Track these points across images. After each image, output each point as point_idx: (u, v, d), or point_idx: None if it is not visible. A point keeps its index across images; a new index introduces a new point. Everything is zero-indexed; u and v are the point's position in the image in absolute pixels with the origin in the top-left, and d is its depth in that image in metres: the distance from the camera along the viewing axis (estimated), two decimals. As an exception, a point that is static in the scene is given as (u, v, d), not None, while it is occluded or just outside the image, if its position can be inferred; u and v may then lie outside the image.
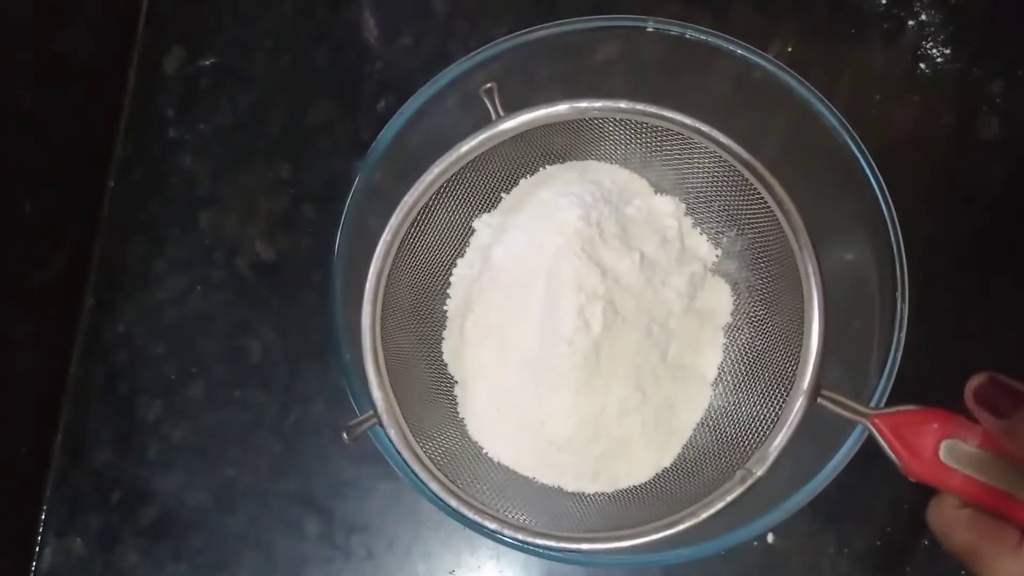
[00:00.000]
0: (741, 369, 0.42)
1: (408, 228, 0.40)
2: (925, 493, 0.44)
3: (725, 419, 0.41)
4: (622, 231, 0.41)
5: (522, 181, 0.44)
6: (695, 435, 0.42)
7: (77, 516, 0.49)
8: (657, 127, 0.39)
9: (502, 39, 0.42)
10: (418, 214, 0.40)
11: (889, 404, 0.35)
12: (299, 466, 0.48)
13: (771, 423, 0.36)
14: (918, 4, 0.50)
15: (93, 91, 0.54)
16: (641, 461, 0.41)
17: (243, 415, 0.49)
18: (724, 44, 0.41)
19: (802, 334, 0.35)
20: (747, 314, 0.43)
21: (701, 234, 0.44)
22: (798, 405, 0.34)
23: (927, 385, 0.45)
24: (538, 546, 0.36)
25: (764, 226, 0.39)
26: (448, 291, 0.44)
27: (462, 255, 0.45)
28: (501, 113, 0.39)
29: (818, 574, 0.44)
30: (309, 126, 0.53)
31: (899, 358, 0.37)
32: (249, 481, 0.49)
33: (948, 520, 0.30)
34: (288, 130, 0.53)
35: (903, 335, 0.37)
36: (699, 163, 0.40)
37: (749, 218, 0.40)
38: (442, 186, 0.40)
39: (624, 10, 0.42)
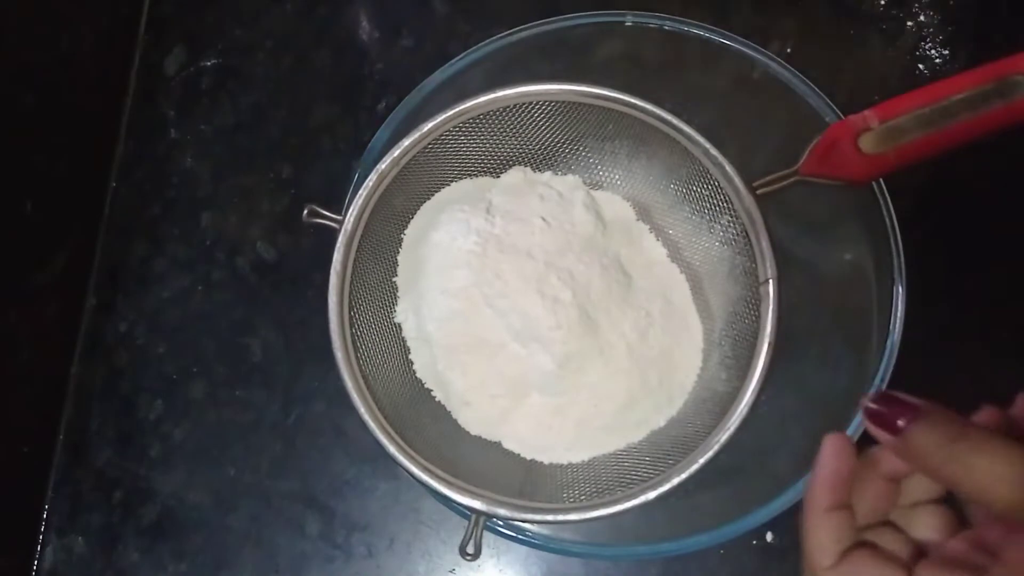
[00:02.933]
0: (684, 232, 0.43)
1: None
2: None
3: (707, 273, 0.43)
4: (516, 220, 0.41)
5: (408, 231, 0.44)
6: (697, 303, 0.43)
7: (78, 515, 0.49)
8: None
9: (492, 39, 0.43)
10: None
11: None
12: (300, 465, 0.49)
13: (742, 238, 0.38)
14: (917, 5, 0.50)
15: (95, 92, 0.55)
16: (688, 361, 0.42)
17: (244, 414, 0.50)
18: (702, 34, 0.42)
19: (713, 177, 0.38)
20: (654, 201, 0.44)
21: (558, 174, 0.44)
22: (750, 204, 0.37)
23: (925, 375, 0.45)
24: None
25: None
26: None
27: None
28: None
29: (817, 573, 0.44)
30: (310, 127, 0.53)
31: (897, 345, 0.38)
32: (250, 480, 0.49)
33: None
34: (289, 131, 0.53)
35: (899, 329, 0.38)
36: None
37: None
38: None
39: (622, 8, 0.43)
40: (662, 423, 0.41)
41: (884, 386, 0.37)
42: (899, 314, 0.38)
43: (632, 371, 0.40)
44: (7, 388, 0.48)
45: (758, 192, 0.37)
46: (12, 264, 0.49)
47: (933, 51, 0.49)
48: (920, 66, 0.49)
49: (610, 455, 0.41)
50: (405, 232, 0.43)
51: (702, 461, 0.35)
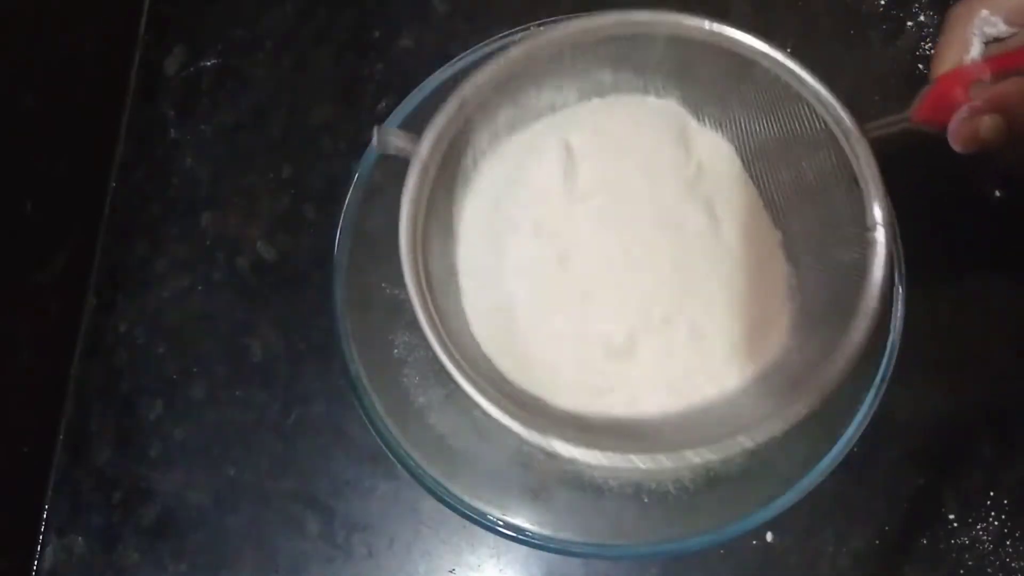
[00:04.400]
0: (778, 177, 0.41)
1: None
2: (925, 492, 0.45)
3: (799, 218, 0.41)
4: (607, 155, 0.40)
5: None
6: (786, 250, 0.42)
7: (78, 515, 0.49)
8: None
9: (492, 39, 0.42)
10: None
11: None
12: (300, 465, 0.49)
13: (845, 185, 0.37)
14: (916, 5, 0.50)
15: (95, 91, 0.55)
16: (776, 313, 0.41)
17: (244, 414, 0.50)
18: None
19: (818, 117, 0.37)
20: (748, 141, 0.42)
21: (661, 97, 0.43)
22: (862, 146, 0.36)
23: (925, 375, 0.45)
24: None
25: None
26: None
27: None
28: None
29: (817, 573, 0.44)
30: (310, 127, 0.53)
31: (897, 345, 0.38)
32: (250, 480, 0.49)
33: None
34: (289, 131, 0.53)
35: (899, 329, 0.38)
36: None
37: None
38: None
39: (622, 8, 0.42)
40: (750, 375, 0.39)
41: (884, 386, 0.37)
42: (899, 314, 0.38)
43: (723, 323, 0.39)
44: (7, 388, 0.48)
45: (871, 135, 0.36)
46: (12, 264, 0.49)
47: (933, 51, 0.49)
48: (920, 66, 0.49)
49: (700, 405, 0.39)
50: (475, 166, 0.42)
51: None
